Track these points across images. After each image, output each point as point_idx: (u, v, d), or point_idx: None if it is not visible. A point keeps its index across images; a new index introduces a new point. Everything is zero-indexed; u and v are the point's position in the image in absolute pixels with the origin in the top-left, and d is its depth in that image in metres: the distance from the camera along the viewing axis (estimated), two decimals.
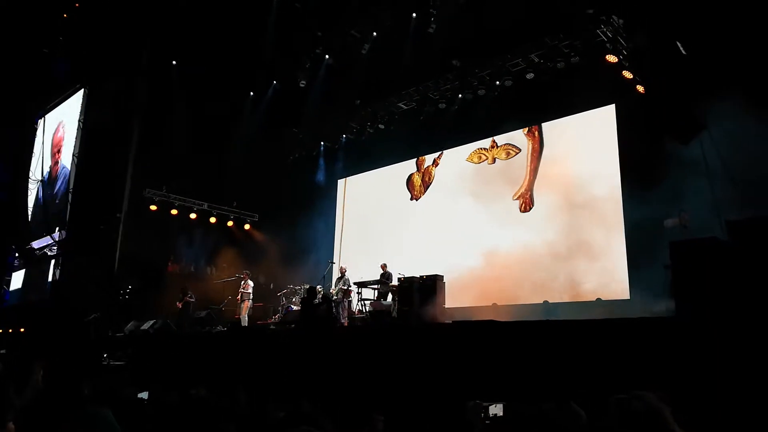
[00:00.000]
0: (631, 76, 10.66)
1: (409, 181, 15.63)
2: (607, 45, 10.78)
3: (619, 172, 11.15)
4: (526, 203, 12.79)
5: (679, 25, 9.66)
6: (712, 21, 9.11)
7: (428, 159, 15.26)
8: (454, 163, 14.46)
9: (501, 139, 13.56)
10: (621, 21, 10.62)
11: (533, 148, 13.03)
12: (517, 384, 5.13)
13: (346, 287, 12.41)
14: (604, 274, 10.71)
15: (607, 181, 11.22)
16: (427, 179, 15.27)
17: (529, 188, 12.84)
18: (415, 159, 15.41)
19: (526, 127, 12.97)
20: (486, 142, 13.78)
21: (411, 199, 15.43)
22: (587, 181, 11.44)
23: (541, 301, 11.08)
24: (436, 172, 15.07)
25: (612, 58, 10.72)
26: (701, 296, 5.09)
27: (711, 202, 8.25)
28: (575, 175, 11.75)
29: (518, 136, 13.25)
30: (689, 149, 8.84)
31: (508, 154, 13.32)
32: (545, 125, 12.74)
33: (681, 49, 9.76)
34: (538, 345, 5.56)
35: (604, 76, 11.04)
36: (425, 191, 15.18)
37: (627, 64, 10.69)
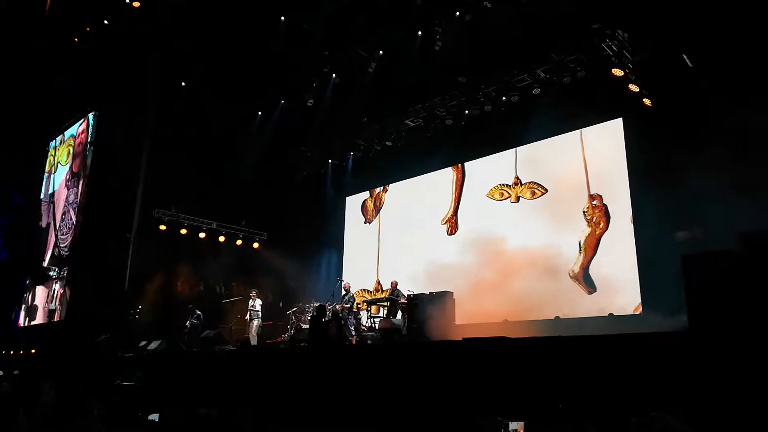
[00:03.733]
0: (638, 90, 10.67)
1: (363, 206, 16.96)
2: (613, 59, 10.82)
3: (629, 186, 11.09)
4: (452, 227, 14.40)
5: (685, 38, 9.68)
6: (717, 32, 9.13)
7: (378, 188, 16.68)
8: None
9: (524, 175, 13.04)
10: (626, 35, 10.66)
11: (457, 178, 14.65)
12: (532, 402, 5.05)
13: (349, 304, 12.36)
14: (616, 288, 10.62)
15: (616, 194, 11.19)
16: (378, 204, 16.67)
17: (454, 214, 14.45)
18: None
19: (535, 141, 12.94)
20: (509, 178, 13.31)
21: (365, 222, 16.79)
22: (597, 195, 11.41)
23: (553, 317, 10.98)
24: (386, 197, 16.45)
25: (618, 72, 10.75)
26: (715, 310, 5.02)
27: (723, 214, 8.16)
28: (584, 190, 11.73)
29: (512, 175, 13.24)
30: (699, 161, 8.78)
31: (533, 193, 12.80)
32: (557, 137, 12.68)
33: (687, 61, 9.77)
34: (551, 361, 5.49)
35: (611, 89, 11.06)
36: (377, 214, 16.59)
37: (633, 78, 10.70)
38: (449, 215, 14.52)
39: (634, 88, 10.68)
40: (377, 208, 16.61)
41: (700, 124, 9.35)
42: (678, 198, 9.22)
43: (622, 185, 11.16)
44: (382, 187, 16.54)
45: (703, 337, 4.82)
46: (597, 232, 11.66)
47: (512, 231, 12.42)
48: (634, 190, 10.95)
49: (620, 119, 11.57)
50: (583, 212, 11.91)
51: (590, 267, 11.49)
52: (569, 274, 11.67)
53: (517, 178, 13.17)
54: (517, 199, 13.07)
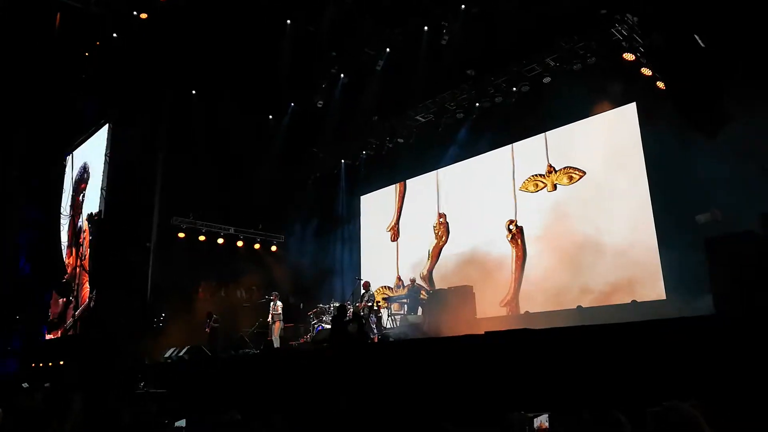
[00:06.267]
0: (650, 73, 10.53)
1: None
2: (623, 43, 10.69)
3: (645, 171, 10.95)
4: (395, 234, 16.11)
5: (696, 18, 9.52)
6: (729, 11, 8.96)
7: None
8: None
9: (556, 162, 12.54)
10: (635, 19, 10.52)
11: (399, 191, 16.23)
12: (557, 393, 5.02)
13: (370, 303, 12.37)
14: (638, 275, 10.50)
15: (634, 180, 11.05)
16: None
17: (397, 222, 16.12)
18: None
19: (547, 130, 12.83)
20: (542, 168, 12.76)
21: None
22: (614, 182, 11.29)
23: (575, 307, 10.90)
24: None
25: (629, 57, 10.62)
26: (740, 291, 4.95)
27: (743, 194, 8.03)
28: (601, 177, 11.62)
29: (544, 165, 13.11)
30: (716, 142, 8.64)
31: (571, 178, 12.23)
32: (567, 126, 12.55)
33: (699, 42, 9.61)
34: (576, 352, 5.44)
35: (622, 74, 10.93)
36: None
37: (645, 61, 10.57)
38: (393, 224, 16.18)
39: (646, 71, 10.54)
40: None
41: (716, 104, 9.19)
42: (697, 180, 9.09)
43: (639, 170, 11.02)
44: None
45: (728, 319, 4.75)
46: (440, 244, 14.47)
47: (550, 219, 12.20)
48: (652, 174, 10.82)
49: (634, 104, 11.42)
50: (433, 227, 14.73)
51: (433, 271, 14.31)
52: (420, 275, 14.16)
53: (551, 165, 12.65)
54: (554, 187, 12.53)
